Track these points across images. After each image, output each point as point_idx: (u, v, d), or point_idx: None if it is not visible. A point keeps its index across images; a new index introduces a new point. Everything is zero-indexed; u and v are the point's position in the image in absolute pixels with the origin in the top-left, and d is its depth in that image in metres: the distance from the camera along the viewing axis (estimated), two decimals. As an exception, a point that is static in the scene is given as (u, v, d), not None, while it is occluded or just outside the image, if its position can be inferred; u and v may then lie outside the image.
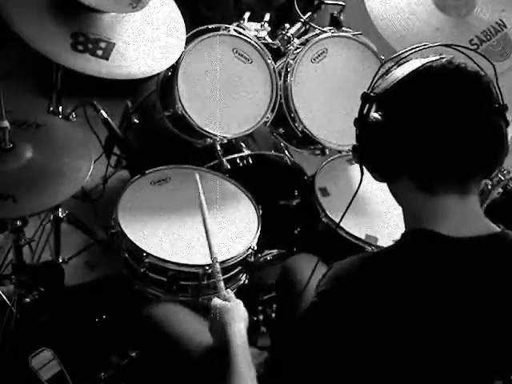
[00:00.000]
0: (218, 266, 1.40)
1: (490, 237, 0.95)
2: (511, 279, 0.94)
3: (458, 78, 0.93)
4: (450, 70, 0.93)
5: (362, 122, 0.99)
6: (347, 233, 1.75)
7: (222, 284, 1.37)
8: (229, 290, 1.35)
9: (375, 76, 1.00)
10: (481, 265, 0.93)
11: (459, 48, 1.01)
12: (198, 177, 1.58)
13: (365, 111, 0.98)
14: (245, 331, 1.19)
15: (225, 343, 1.16)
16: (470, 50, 1.02)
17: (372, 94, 0.98)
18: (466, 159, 0.93)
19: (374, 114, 0.96)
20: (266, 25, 2.09)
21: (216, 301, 1.28)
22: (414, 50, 1.00)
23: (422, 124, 0.92)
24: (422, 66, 0.94)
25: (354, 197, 1.09)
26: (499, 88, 0.96)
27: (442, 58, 0.95)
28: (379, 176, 1.01)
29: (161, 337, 1.42)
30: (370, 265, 0.95)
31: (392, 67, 0.99)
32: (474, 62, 1.00)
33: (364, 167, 1.02)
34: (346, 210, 1.12)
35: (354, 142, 1.02)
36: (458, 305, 0.91)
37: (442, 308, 0.91)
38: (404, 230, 1.00)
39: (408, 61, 0.98)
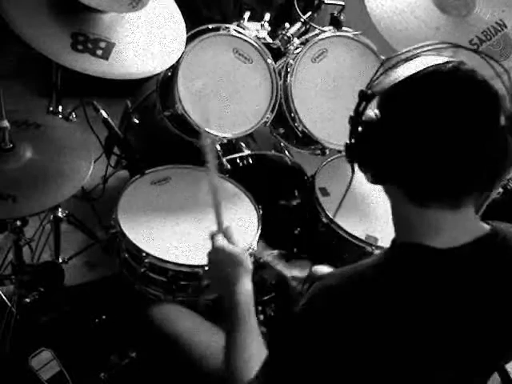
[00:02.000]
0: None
1: (479, 240, 0.91)
2: (501, 283, 0.91)
3: (465, 87, 0.86)
4: (457, 76, 0.86)
5: (356, 119, 0.93)
6: (347, 233, 1.75)
7: (221, 211, 1.23)
8: (229, 227, 1.22)
9: (375, 74, 0.95)
10: (470, 275, 0.90)
11: (465, 48, 0.95)
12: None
13: (361, 109, 0.93)
14: (251, 289, 1.13)
15: (227, 300, 1.10)
16: (475, 52, 0.97)
17: (369, 92, 0.92)
18: (461, 174, 0.86)
19: (370, 113, 0.91)
20: (266, 25, 2.09)
21: (224, 244, 1.16)
22: (421, 50, 0.93)
23: (419, 130, 0.85)
24: (428, 68, 0.87)
25: (346, 193, 1.07)
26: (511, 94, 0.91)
27: (449, 62, 0.88)
28: (370, 178, 0.95)
29: (161, 337, 1.42)
30: (359, 281, 0.91)
31: (393, 66, 0.93)
32: (487, 61, 0.96)
33: (356, 167, 0.97)
34: (339, 205, 1.12)
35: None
36: (448, 320, 0.89)
37: (430, 324, 0.88)
38: (395, 235, 0.96)
39: (411, 60, 0.91)
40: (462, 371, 0.92)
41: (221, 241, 1.18)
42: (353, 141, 0.95)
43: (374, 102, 0.94)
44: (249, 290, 1.12)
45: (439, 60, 0.89)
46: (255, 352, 1.04)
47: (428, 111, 0.85)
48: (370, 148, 0.91)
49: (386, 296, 0.88)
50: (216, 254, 1.17)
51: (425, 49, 0.94)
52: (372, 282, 0.90)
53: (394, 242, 0.95)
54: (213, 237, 1.19)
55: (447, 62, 0.88)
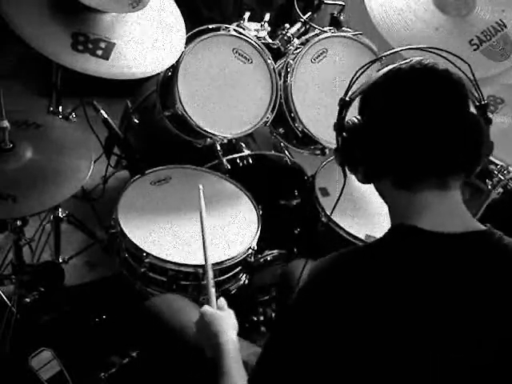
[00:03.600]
0: (211, 273, 1.37)
1: (476, 234, 0.95)
2: (494, 277, 0.93)
3: (425, 78, 0.95)
4: (417, 69, 0.95)
5: (340, 125, 1.02)
6: (347, 233, 1.75)
7: (213, 292, 1.32)
8: (221, 298, 1.31)
9: (351, 81, 1.03)
10: (466, 262, 0.92)
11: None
12: (201, 187, 1.56)
13: (342, 115, 1.02)
14: (236, 340, 1.18)
15: (215, 351, 1.15)
16: (437, 54, 1.04)
17: (347, 99, 1.02)
18: (440, 156, 0.94)
19: (352, 118, 1.00)
20: (266, 25, 2.09)
21: (207, 308, 1.25)
22: (393, 51, 1.06)
23: (393, 125, 0.94)
24: (392, 68, 0.97)
25: (340, 194, 1.10)
26: (478, 86, 0.99)
27: (411, 59, 0.97)
28: (361, 178, 1.03)
29: (161, 326, 1.41)
30: (350, 261, 0.95)
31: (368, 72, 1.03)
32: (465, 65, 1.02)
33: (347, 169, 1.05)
34: (336, 203, 1.13)
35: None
36: (440, 301, 0.90)
37: (424, 305, 0.90)
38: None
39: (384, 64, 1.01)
40: (457, 347, 0.92)
41: (205, 307, 1.26)
42: (340, 146, 1.03)
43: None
44: (234, 338, 1.18)
45: (403, 61, 0.98)
46: None
47: (397, 105, 0.95)
48: (356, 149, 1.00)
49: (373, 274, 0.91)
50: (203, 317, 1.24)
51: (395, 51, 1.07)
52: (360, 261, 0.94)
53: (388, 230, 1.00)
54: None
55: (410, 61, 0.97)
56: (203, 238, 1.42)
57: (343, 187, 1.08)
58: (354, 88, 1.03)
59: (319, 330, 0.91)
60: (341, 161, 1.04)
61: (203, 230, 1.43)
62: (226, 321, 1.22)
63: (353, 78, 1.04)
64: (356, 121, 0.99)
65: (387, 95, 0.97)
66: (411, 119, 0.93)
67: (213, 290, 1.32)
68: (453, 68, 0.98)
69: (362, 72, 1.05)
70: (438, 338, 0.90)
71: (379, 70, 0.99)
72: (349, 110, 1.03)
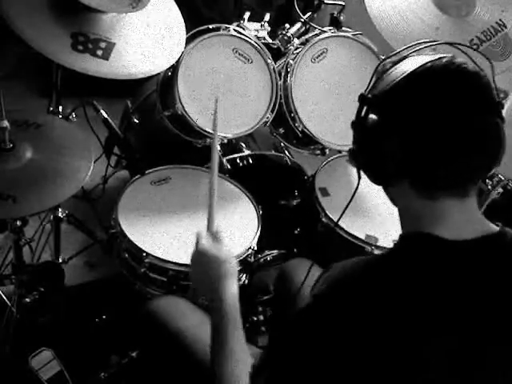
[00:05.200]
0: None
1: (488, 237, 0.93)
2: (510, 280, 0.93)
3: (459, 80, 0.90)
4: (451, 70, 0.90)
5: (359, 124, 0.96)
6: (347, 233, 1.75)
7: (213, 217, 1.19)
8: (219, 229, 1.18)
9: (372, 76, 0.97)
10: (479, 267, 0.91)
11: (458, 46, 0.99)
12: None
13: (363, 113, 0.95)
14: (237, 291, 1.09)
15: (211, 300, 1.08)
16: (468, 47, 1.01)
17: (370, 96, 0.95)
18: (467, 163, 0.90)
19: (373, 117, 0.94)
20: (266, 25, 2.09)
21: (207, 245, 1.12)
22: (413, 49, 0.97)
23: (422, 127, 0.89)
24: (422, 66, 0.91)
25: (351, 199, 1.07)
26: (495, 85, 0.95)
27: (442, 57, 0.91)
28: (377, 180, 0.99)
29: (162, 330, 1.40)
30: (370, 269, 0.92)
31: (391, 67, 0.96)
32: (473, 61, 1.00)
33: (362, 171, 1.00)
34: (344, 210, 1.11)
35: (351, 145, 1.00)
36: (459, 309, 0.89)
37: (443, 313, 0.89)
38: (402, 231, 0.98)
39: (405, 59, 0.95)
40: (473, 355, 0.91)
41: (205, 243, 1.14)
42: (358, 146, 0.98)
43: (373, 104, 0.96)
44: (234, 293, 1.09)
45: (432, 57, 0.92)
46: (241, 357, 1.03)
47: (428, 106, 0.89)
48: (378, 151, 0.93)
49: (389, 284, 0.89)
50: (198, 256, 1.14)
51: (417, 48, 0.98)
52: (375, 271, 0.91)
53: (401, 236, 0.97)
54: (198, 238, 1.16)
55: (440, 58, 0.91)
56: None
57: (357, 187, 1.03)
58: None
59: (340, 338, 0.88)
60: (357, 160, 0.99)
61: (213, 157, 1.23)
62: (229, 266, 1.11)
63: (376, 68, 0.97)
64: (376, 118, 0.93)
65: (417, 95, 0.90)
66: (442, 123, 0.88)
67: (213, 214, 1.19)
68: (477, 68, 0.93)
69: (379, 68, 0.98)
70: (459, 350, 0.89)
71: (393, 64, 0.94)
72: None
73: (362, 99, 0.96)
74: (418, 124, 0.89)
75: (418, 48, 0.98)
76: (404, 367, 0.89)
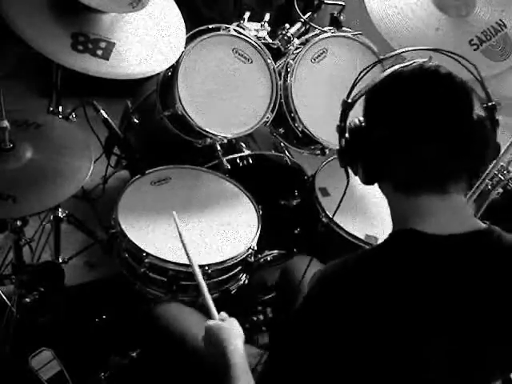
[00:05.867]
0: (206, 290, 1.32)
1: (475, 233, 0.95)
2: (496, 276, 0.93)
3: (427, 82, 0.94)
4: (419, 74, 0.94)
5: (343, 127, 1.02)
6: (347, 233, 1.75)
7: (212, 305, 1.29)
8: (222, 312, 1.28)
9: (353, 84, 1.03)
10: (465, 262, 0.93)
11: (445, 51, 1.03)
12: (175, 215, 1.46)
13: (344, 117, 1.02)
14: (242, 348, 1.16)
15: (223, 364, 1.13)
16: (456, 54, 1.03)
17: (349, 101, 1.02)
18: (439, 162, 0.92)
19: (355, 119, 1.00)
20: (266, 25, 2.09)
21: (210, 323, 1.23)
22: (396, 52, 1.05)
23: (393, 129, 0.93)
24: (394, 71, 0.96)
25: (342, 196, 1.10)
26: (485, 88, 0.98)
27: (415, 62, 0.96)
28: (363, 179, 1.02)
29: (166, 336, 1.41)
30: (356, 267, 0.95)
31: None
32: (471, 63, 1.01)
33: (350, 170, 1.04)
34: (338, 206, 1.13)
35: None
36: (444, 303, 0.91)
37: (429, 307, 0.90)
38: (392, 229, 1.01)
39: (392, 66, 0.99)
40: (460, 348, 0.93)
41: (210, 322, 1.23)
42: (343, 147, 1.03)
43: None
44: (239, 347, 1.16)
45: (405, 63, 0.97)
46: None
47: (398, 109, 0.94)
48: (358, 151, 0.99)
49: (377, 277, 0.92)
50: (207, 332, 1.21)
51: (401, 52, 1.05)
52: (365, 266, 0.94)
53: (389, 233, 1.00)
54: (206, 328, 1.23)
55: (413, 63, 0.96)
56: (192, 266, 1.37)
57: (346, 188, 1.08)
58: (357, 90, 1.02)
59: (331, 337, 0.91)
60: (343, 162, 1.04)
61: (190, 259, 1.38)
62: (231, 330, 1.20)
63: (355, 79, 1.04)
64: (358, 122, 0.99)
65: (388, 99, 0.96)
66: (410, 124, 0.92)
67: (211, 304, 1.29)
68: (458, 70, 0.96)
69: (365, 74, 1.05)
70: (443, 340, 0.90)
71: (383, 71, 0.98)
72: (351, 110, 1.03)
73: (344, 104, 1.03)
74: (389, 125, 0.94)
75: (401, 51, 1.05)
76: (404, 367, 0.90)
